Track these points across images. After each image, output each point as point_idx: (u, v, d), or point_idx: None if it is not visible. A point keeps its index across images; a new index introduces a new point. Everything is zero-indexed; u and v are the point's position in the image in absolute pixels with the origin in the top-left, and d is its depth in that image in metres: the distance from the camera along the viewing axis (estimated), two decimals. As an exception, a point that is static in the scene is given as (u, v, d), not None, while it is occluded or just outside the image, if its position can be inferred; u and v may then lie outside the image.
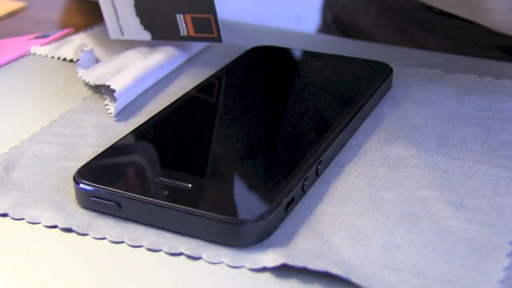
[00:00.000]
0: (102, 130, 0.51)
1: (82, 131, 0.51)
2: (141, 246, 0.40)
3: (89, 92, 0.57)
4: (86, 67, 0.59)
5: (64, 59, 0.63)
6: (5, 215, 0.43)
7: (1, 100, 0.57)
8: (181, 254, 0.40)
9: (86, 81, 0.56)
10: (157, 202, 0.41)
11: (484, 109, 0.52)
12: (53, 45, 0.65)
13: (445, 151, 0.47)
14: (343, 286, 0.36)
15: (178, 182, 0.42)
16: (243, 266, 0.38)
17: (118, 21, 0.59)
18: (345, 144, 0.49)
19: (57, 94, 0.57)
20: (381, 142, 0.49)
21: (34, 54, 0.65)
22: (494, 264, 0.37)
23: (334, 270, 0.37)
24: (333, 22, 0.84)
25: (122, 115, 0.53)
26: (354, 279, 0.36)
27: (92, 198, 0.42)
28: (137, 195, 0.41)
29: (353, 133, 0.50)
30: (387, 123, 0.51)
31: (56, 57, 0.63)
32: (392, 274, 0.37)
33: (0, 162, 0.48)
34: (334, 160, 0.47)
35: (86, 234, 0.41)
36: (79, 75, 0.58)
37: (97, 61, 0.61)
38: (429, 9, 0.71)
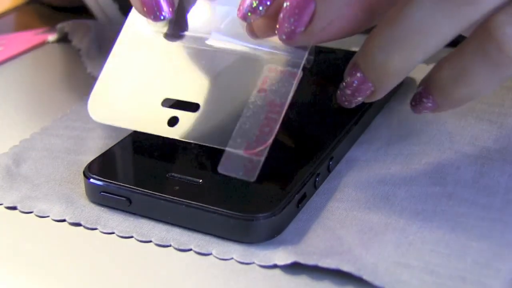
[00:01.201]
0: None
1: (92, 124, 0.51)
2: (150, 242, 0.40)
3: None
4: (92, 57, 0.59)
5: (78, 49, 0.63)
6: (14, 208, 0.43)
7: (13, 93, 0.57)
8: (190, 250, 0.39)
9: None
10: (168, 197, 0.40)
11: (497, 105, 0.52)
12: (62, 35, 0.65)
13: (457, 148, 0.47)
14: (355, 283, 0.36)
15: (189, 178, 0.42)
16: (253, 263, 0.38)
17: None
18: (357, 140, 0.48)
19: (68, 87, 0.57)
20: (392, 138, 0.48)
21: (47, 44, 0.64)
22: (507, 262, 0.37)
23: (346, 267, 0.36)
24: None
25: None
26: (366, 277, 0.36)
27: (101, 193, 0.42)
28: (147, 191, 0.41)
29: (365, 129, 0.49)
30: (399, 119, 0.51)
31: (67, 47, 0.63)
32: (405, 271, 0.36)
33: (10, 155, 0.48)
34: (346, 156, 0.47)
35: (95, 229, 0.41)
36: (88, 70, 0.58)
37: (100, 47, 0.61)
38: None
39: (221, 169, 0.38)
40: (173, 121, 0.41)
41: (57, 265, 0.39)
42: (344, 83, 0.40)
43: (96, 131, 0.50)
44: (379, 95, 0.40)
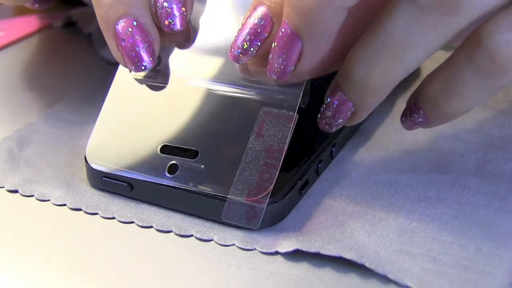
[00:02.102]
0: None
1: (96, 109, 0.51)
2: (150, 227, 0.40)
3: (108, 69, 0.56)
4: (103, 40, 0.59)
5: (89, 34, 0.63)
6: (15, 191, 0.43)
7: (18, 77, 0.57)
8: (191, 236, 0.39)
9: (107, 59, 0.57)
10: (170, 183, 0.40)
11: (502, 92, 0.51)
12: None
13: (461, 135, 0.46)
14: (356, 271, 0.36)
15: (191, 163, 0.42)
16: (254, 249, 0.38)
17: None
18: (360, 126, 0.48)
19: (73, 71, 0.57)
20: (395, 125, 0.48)
21: (50, 29, 0.64)
22: (510, 250, 0.37)
23: (348, 255, 0.36)
24: None
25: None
26: (368, 264, 0.35)
27: (103, 178, 0.42)
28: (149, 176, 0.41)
29: (368, 115, 0.49)
30: (402, 105, 0.50)
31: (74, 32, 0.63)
32: (407, 258, 0.36)
33: (14, 138, 0.48)
34: (349, 142, 0.46)
35: (95, 213, 0.41)
36: (101, 54, 0.58)
37: None
38: None
39: (224, 217, 0.39)
40: (172, 168, 0.41)
41: (57, 249, 0.39)
42: (324, 105, 0.40)
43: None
44: (360, 116, 0.40)
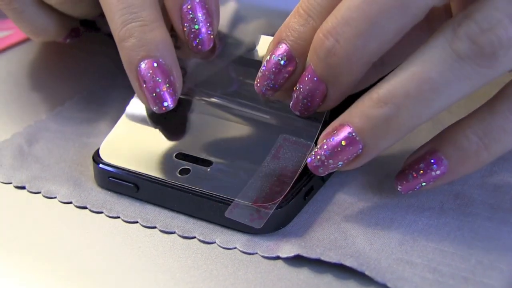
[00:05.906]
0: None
1: (106, 108, 0.51)
2: (154, 228, 0.40)
3: (119, 69, 0.56)
4: None
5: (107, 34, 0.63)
6: (22, 187, 0.44)
7: (31, 73, 0.57)
8: (194, 238, 0.39)
9: None
10: (175, 185, 0.41)
11: None
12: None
13: (469, 147, 0.46)
14: (356, 278, 0.36)
15: (203, 169, 0.42)
16: (256, 253, 0.38)
17: None
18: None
19: (87, 69, 0.57)
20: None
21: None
22: (511, 263, 0.37)
23: (348, 262, 0.36)
24: None
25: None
26: (368, 272, 0.36)
27: (110, 179, 0.42)
28: (155, 178, 0.41)
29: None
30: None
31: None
32: (407, 268, 0.36)
33: (24, 134, 0.48)
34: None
35: (100, 212, 0.41)
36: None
37: None
38: None
39: (228, 214, 0.39)
40: (184, 172, 0.42)
41: (61, 246, 0.39)
42: (325, 143, 0.38)
43: (109, 115, 0.50)
44: (363, 161, 0.38)
